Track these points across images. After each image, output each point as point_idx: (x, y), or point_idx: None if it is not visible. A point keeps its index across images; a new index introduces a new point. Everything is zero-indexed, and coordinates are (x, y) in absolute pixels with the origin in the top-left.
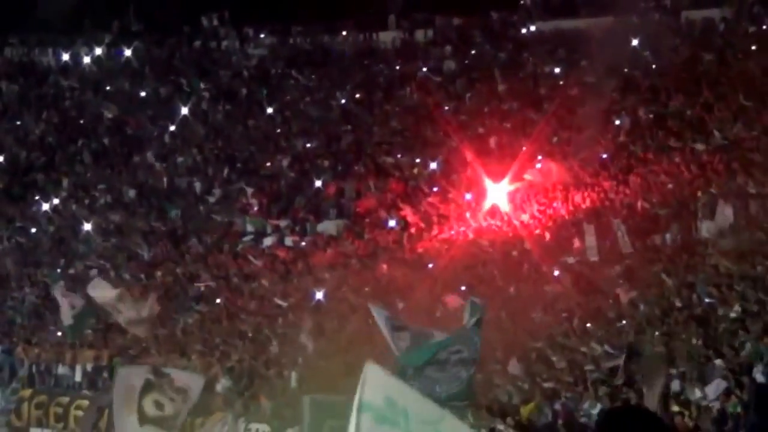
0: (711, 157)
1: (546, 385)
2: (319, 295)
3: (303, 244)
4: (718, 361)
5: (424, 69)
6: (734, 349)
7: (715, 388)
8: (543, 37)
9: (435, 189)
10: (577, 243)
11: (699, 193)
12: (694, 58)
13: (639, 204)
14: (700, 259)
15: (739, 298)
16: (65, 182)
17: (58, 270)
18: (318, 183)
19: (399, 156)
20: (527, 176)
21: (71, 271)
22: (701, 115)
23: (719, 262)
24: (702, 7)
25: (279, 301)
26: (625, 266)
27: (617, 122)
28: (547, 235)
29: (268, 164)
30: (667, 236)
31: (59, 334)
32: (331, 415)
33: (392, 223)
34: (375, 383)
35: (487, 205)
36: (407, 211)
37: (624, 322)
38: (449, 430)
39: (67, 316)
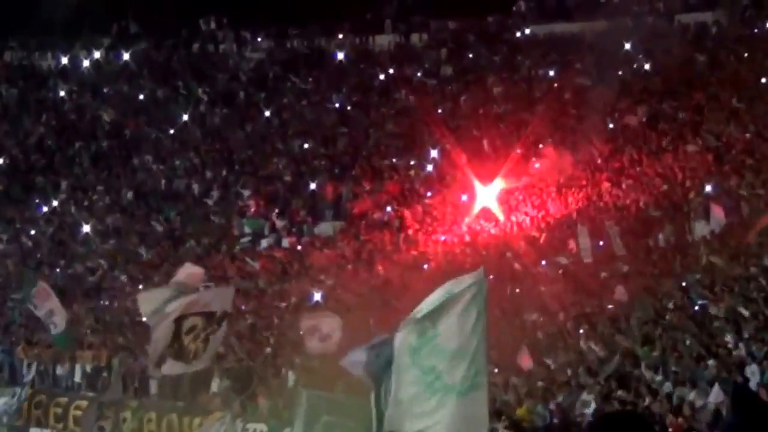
0: (704, 158)
1: (540, 384)
2: (317, 296)
3: (299, 247)
4: (710, 362)
5: (420, 72)
6: (727, 350)
7: (715, 394)
8: (537, 41)
9: (430, 191)
10: (571, 244)
11: (691, 195)
12: (687, 61)
13: (632, 205)
14: (693, 260)
15: (731, 298)
16: (64, 184)
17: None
18: (314, 185)
19: (395, 158)
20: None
21: (70, 271)
22: (694, 117)
23: (712, 263)
24: (695, 11)
25: (277, 304)
26: (619, 267)
27: (611, 125)
28: (542, 237)
29: (266, 166)
30: (660, 237)
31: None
32: (327, 411)
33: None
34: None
35: (481, 206)
36: (403, 213)
37: (618, 322)
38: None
39: (58, 322)
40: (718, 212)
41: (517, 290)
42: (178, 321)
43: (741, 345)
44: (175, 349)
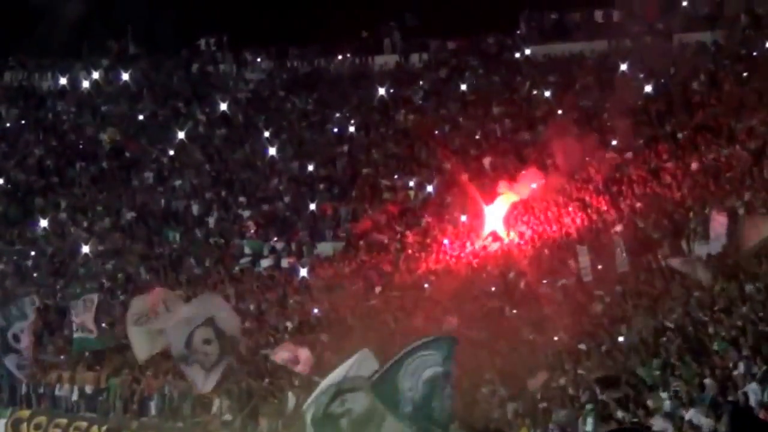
0: (704, 178)
1: (541, 405)
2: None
3: (300, 267)
4: (709, 381)
5: (420, 92)
6: (726, 369)
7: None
8: (537, 61)
9: (430, 211)
10: (571, 264)
11: (691, 214)
12: (686, 81)
13: (633, 224)
14: (692, 280)
15: (730, 317)
16: (63, 204)
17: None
18: (314, 205)
19: (395, 178)
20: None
21: (69, 291)
22: (694, 136)
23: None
24: (694, 31)
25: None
26: (619, 286)
27: (611, 143)
28: (542, 257)
29: (266, 187)
30: (660, 257)
31: (62, 357)
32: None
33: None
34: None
35: (482, 226)
36: (403, 233)
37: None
38: None
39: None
40: (718, 229)
41: (514, 311)
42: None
43: (741, 364)
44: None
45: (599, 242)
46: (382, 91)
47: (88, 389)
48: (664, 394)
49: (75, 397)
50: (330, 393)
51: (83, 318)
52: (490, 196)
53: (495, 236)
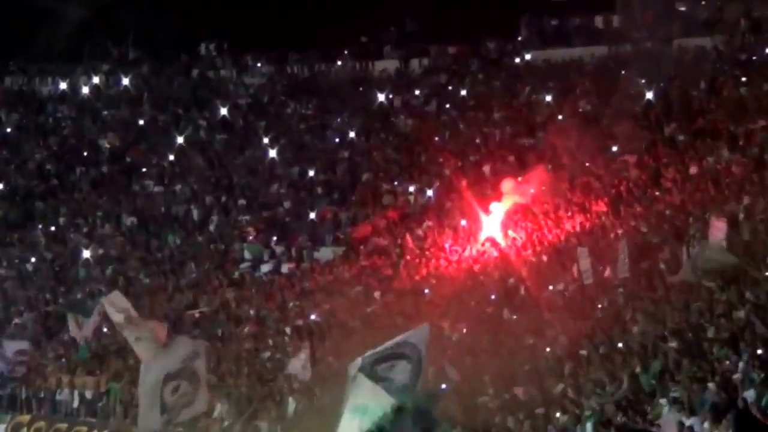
0: (703, 183)
1: (538, 411)
2: (316, 319)
3: (299, 272)
4: (710, 385)
5: (420, 97)
6: (725, 373)
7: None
8: (537, 66)
9: (430, 216)
10: (572, 268)
11: (691, 220)
12: (686, 86)
13: (633, 229)
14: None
15: (729, 323)
16: (63, 210)
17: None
18: (314, 210)
19: (395, 184)
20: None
21: (71, 296)
22: (693, 142)
23: (711, 286)
24: (694, 36)
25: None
26: (620, 291)
27: (611, 149)
28: (542, 261)
29: (266, 192)
30: (661, 261)
31: (64, 360)
32: None
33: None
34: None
35: (481, 231)
36: (403, 238)
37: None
38: None
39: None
40: (717, 234)
41: (515, 317)
42: (165, 380)
43: (740, 369)
44: (160, 404)
45: (599, 247)
46: (381, 96)
47: (88, 394)
48: (663, 400)
49: (75, 401)
50: (383, 353)
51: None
52: (490, 201)
53: (494, 241)
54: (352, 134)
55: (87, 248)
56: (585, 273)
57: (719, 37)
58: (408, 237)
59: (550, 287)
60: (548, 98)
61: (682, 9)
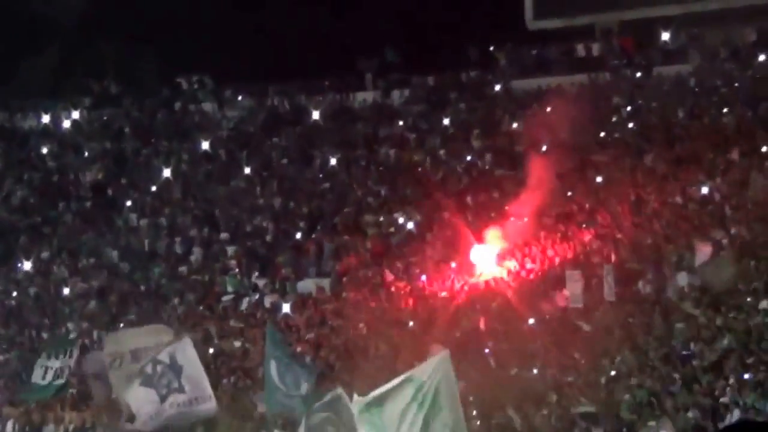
0: (684, 210)
1: None
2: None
3: (283, 304)
4: (695, 412)
5: (401, 128)
6: (713, 397)
7: None
8: (517, 95)
9: (413, 247)
10: (559, 294)
11: (671, 247)
12: (666, 113)
13: (614, 257)
14: (675, 311)
15: (713, 348)
16: (47, 244)
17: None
18: (297, 242)
19: (378, 215)
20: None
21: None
22: (673, 169)
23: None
24: (674, 63)
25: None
26: (605, 317)
27: (598, 179)
28: (526, 289)
29: (248, 224)
30: (644, 287)
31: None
32: None
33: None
34: None
35: (465, 262)
36: (384, 270)
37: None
38: None
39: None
40: (702, 259)
41: (500, 345)
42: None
43: (727, 392)
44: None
45: (584, 273)
46: (363, 127)
47: (71, 429)
48: (652, 423)
49: None
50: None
51: (62, 363)
52: (474, 231)
53: (478, 272)
54: (333, 162)
55: (69, 283)
56: (575, 296)
57: (699, 64)
58: (389, 269)
59: (536, 315)
60: (527, 126)
61: (662, 37)
